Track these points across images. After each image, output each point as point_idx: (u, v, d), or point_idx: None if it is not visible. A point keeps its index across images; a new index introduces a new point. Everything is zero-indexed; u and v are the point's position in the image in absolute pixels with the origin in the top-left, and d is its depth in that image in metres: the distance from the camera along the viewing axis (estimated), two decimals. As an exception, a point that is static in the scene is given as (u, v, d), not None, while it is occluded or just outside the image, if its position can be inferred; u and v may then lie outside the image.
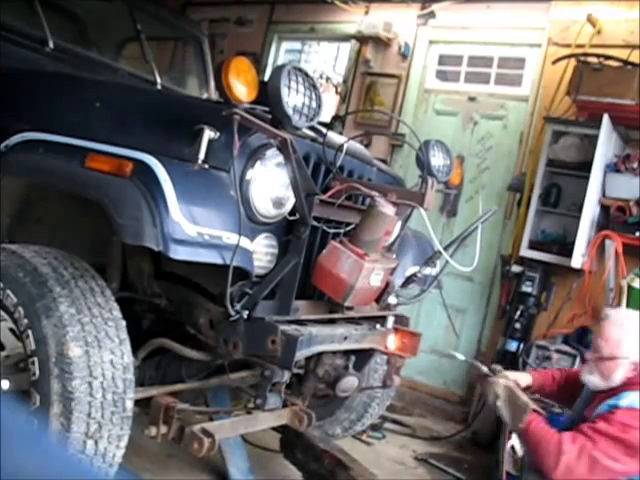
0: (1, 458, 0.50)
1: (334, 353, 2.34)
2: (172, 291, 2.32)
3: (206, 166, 1.96)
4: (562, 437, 2.18)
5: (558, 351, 3.87)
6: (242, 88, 1.87)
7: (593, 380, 2.37)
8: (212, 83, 3.97)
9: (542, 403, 2.71)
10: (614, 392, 2.28)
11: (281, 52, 6.22)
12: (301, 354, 2.06)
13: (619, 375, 2.30)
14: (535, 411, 2.30)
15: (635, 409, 2.17)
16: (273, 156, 2.08)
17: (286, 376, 2.13)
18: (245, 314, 2.03)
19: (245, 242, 1.97)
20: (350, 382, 2.36)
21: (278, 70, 1.92)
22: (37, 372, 1.85)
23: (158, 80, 3.50)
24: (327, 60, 6.11)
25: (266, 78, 2.05)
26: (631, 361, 2.28)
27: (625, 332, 2.31)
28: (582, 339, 3.93)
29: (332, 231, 2.33)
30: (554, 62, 4.44)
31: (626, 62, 4.08)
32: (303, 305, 2.23)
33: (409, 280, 2.72)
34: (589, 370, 2.39)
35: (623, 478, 2.15)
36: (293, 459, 2.91)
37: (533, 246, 4.33)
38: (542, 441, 2.19)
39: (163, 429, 2.13)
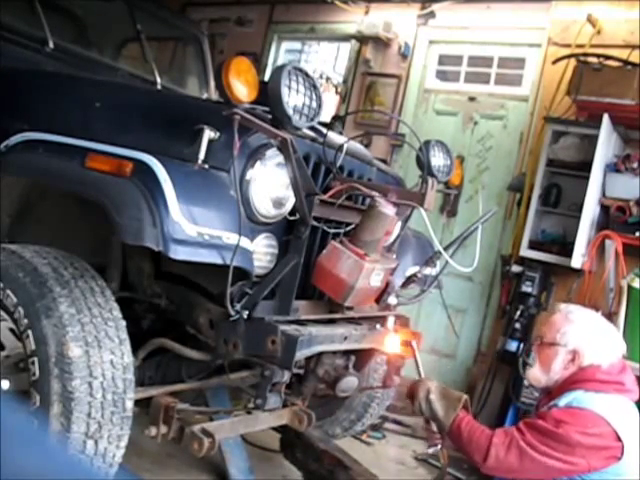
0: (1, 458, 0.50)
1: (334, 353, 2.33)
2: (172, 291, 2.32)
3: (206, 166, 1.95)
4: (494, 431, 2.18)
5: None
6: (242, 88, 1.87)
7: (534, 373, 2.33)
8: (212, 83, 3.97)
9: None
10: (558, 393, 2.24)
11: (281, 52, 6.22)
12: (301, 354, 2.05)
13: (557, 365, 2.26)
14: (465, 407, 2.28)
15: (573, 407, 2.13)
16: (273, 156, 2.08)
17: (286, 376, 2.12)
18: (245, 314, 2.03)
19: (245, 242, 1.97)
20: (350, 382, 2.36)
21: (278, 70, 1.92)
22: (37, 372, 1.85)
23: (158, 80, 3.50)
24: (327, 60, 6.11)
25: (266, 78, 2.05)
26: (568, 349, 2.24)
27: (568, 321, 2.29)
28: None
29: (332, 231, 2.33)
30: (554, 62, 4.44)
31: (626, 62, 4.08)
32: (303, 305, 2.23)
33: (409, 280, 2.72)
34: (531, 362, 2.35)
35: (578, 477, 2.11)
36: (293, 459, 2.91)
37: (533, 246, 4.33)
38: (474, 435, 2.18)
39: (163, 429, 2.13)
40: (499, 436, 2.15)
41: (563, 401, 2.17)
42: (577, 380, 2.21)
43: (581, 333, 2.25)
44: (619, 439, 2.08)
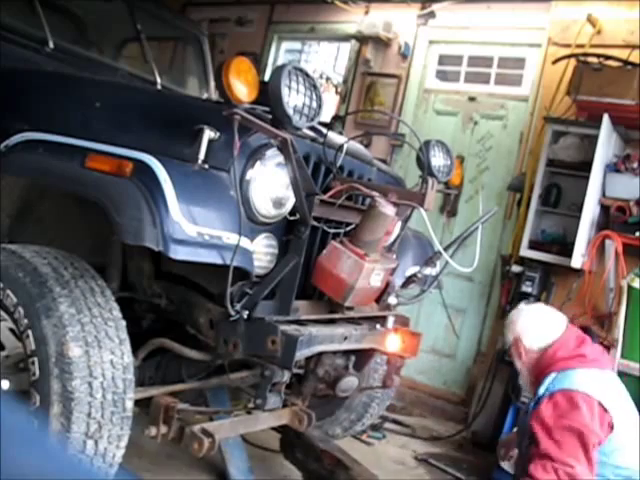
0: (1, 458, 0.50)
1: (334, 353, 2.33)
2: (172, 291, 2.32)
3: (206, 166, 1.96)
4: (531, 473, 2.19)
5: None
6: (242, 88, 1.87)
7: (523, 384, 2.64)
8: (212, 83, 3.97)
9: None
10: (536, 385, 2.39)
11: (281, 52, 6.22)
12: (301, 354, 2.06)
13: (517, 362, 2.51)
14: None
15: (556, 393, 2.23)
16: (273, 156, 2.08)
17: (286, 376, 2.13)
18: (245, 314, 2.03)
19: (245, 242, 1.97)
20: (350, 382, 2.36)
21: (278, 70, 1.92)
22: (37, 372, 1.85)
23: (158, 80, 3.50)
24: (327, 60, 6.11)
25: (266, 78, 2.04)
26: (512, 343, 2.51)
27: (505, 328, 2.61)
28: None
29: (332, 231, 2.34)
30: (554, 62, 4.44)
31: (626, 62, 4.08)
32: (303, 305, 2.23)
33: (409, 280, 2.72)
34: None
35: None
36: (293, 459, 2.91)
37: (533, 246, 4.33)
38: None
39: (163, 429, 2.13)
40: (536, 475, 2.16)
41: (542, 389, 2.30)
42: (544, 366, 2.36)
43: (513, 325, 2.54)
44: (605, 410, 2.20)
